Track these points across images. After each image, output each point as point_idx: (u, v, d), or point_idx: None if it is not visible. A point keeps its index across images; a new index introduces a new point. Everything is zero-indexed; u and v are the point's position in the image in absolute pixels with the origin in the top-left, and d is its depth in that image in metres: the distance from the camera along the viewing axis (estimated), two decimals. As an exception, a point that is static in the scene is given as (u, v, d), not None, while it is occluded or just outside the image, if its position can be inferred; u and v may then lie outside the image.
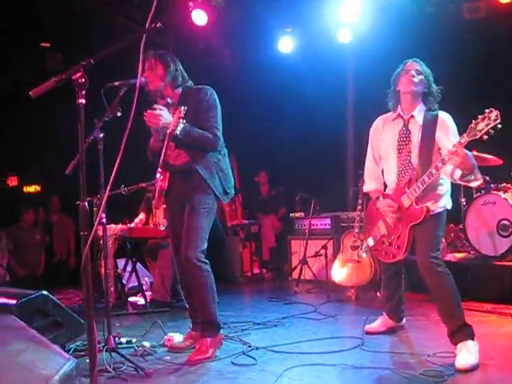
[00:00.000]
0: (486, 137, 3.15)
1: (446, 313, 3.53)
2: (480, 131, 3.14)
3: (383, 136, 3.96)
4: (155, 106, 3.75)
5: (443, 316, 3.55)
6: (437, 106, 3.78)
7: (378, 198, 3.93)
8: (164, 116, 3.68)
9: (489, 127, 3.12)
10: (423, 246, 3.62)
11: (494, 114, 3.11)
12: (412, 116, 3.78)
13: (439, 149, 3.63)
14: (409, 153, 3.73)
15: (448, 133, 3.61)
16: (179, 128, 3.56)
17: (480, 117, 3.16)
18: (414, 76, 3.72)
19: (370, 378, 3.18)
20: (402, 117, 3.84)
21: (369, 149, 4.12)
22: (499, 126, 3.11)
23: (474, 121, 3.18)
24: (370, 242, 4.06)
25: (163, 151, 3.84)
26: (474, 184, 3.56)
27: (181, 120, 3.57)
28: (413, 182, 3.61)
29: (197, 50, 8.98)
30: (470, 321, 3.51)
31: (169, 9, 7.85)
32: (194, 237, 3.74)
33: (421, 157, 3.65)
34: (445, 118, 3.68)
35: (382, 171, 4.04)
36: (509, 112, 3.17)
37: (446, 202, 3.72)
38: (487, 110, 3.15)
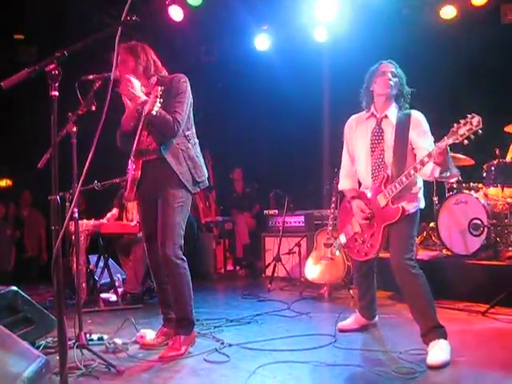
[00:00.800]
0: (466, 141, 3.16)
1: (418, 313, 3.54)
2: (461, 136, 3.14)
3: (356, 135, 3.97)
4: (132, 75, 3.69)
5: (416, 316, 3.56)
6: (407, 106, 3.81)
7: (353, 198, 3.94)
8: (135, 85, 3.62)
9: (470, 132, 3.12)
10: (397, 246, 3.63)
11: (476, 119, 3.11)
12: (385, 116, 3.80)
13: (413, 148, 3.65)
14: (382, 151, 3.74)
15: (421, 132, 3.64)
16: (156, 108, 3.51)
17: (462, 121, 3.16)
18: (390, 79, 3.74)
19: (342, 376, 3.18)
20: (375, 116, 3.86)
21: (344, 148, 4.12)
22: (480, 131, 3.12)
23: (455, 124, 3.18)
24: (342, 239, 4.06)
25: (137, 137, 3.77)
26: (452, 179, 3.59)
27: (157, 99, 3.51)
28: (389, 182, 3.62)
29: (173, 46, 8.93)
30: (442, 318, 3.54)
31: (145, 4, 7.78)
32: (170, 234, 3.69)
33: (395, 156, 3.66)
34: (418, 117, 3.71)
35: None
36: (482, 114, 3.19)
37: (419, 202, 3.74)
38: (469, 116, 3.14)
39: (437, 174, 3.43)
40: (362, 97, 3.93)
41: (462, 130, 3.14)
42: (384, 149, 3.73)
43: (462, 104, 6.90)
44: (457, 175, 3.51)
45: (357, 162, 3.98)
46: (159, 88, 3.57)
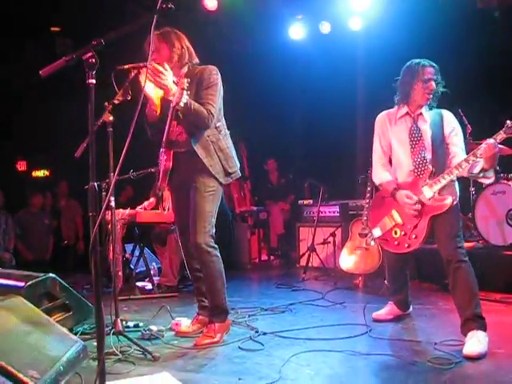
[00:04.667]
0: None
1: (463, 302, 3.50)
2: None
3: (392, 133, 3.97)
4: (165, 65, 3.60)
5: (460, 305, 3.52)
6: (434, 105, 3.87)
7: (396, 190, 3.88)
8: (168, 77, 3.53)
9: None
10: (447, 237, 3.62)
11: None
12: (420, 114, 3.84)
13: (447, 144, 3.73)
14: (422, 148, 3.78)
15: (455, 129, 3.76)
16: (183, 100, 3.48)
17: None
18: (432, 89, 3.76)
19: (376, 365, 3.17)
20: (409, 115, 3.88)
21: (376, 143, 4.08)
22: None
23: (509, 121, 3.29)
24: (377, 232, 4.01)
25: (166, 128, 3.77)
26: (485, 181, 3.63)
27: (184, 92, 3.49)
28: (435, 174, 3.65)
29: (207, 36, 8.94)
30: (479, 310, 3.49)
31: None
32: (201, 222, 3.69)
33: (435, 152, 3.73)
34: (450, 116, 3.83)
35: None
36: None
37: (457, 193, 3.75)
38: None
39: (476, 171, 3.48)
40: (397, 91, 3.93)
41: None
42: (425, 146, 3.78)
43: (499, 93, 6.76)
44: (491, 178, 3.55)
45: (395, 158, 3.99)
46: (185, 80, 3.54)
